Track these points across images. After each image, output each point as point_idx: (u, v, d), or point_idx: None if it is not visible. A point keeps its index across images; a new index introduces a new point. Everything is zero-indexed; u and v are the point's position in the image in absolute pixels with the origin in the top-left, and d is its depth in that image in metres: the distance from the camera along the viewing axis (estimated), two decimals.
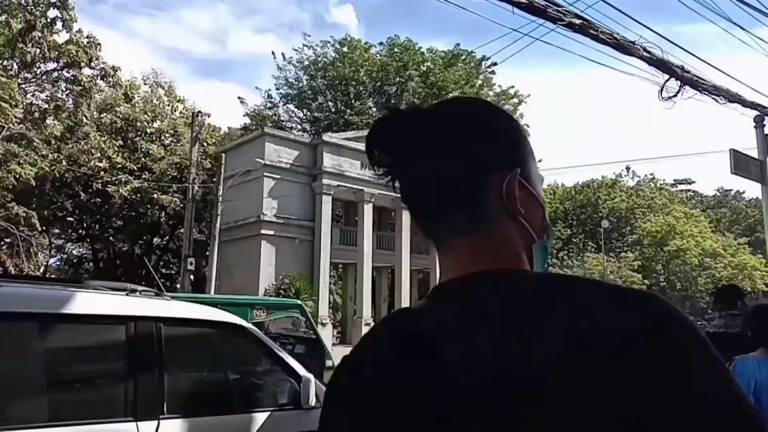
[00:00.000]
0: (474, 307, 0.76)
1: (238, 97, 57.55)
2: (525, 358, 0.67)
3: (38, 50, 21.55)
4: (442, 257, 0.85)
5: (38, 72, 23.52)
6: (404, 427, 0.72)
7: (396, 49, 40.27)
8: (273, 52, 70.50)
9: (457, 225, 0.83)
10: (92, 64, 23.11)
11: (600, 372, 0.63)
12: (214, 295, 18.34)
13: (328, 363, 10.27)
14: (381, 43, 41.83)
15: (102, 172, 27.84)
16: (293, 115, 43.31)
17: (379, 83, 39.81)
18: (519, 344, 0.68)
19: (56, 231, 33.68)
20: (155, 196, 28.78)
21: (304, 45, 42.17)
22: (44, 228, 28.13)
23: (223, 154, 23.96)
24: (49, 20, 21.69)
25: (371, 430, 0.76)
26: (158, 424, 3.00)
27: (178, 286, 23.94)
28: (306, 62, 41.72)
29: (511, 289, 0.75)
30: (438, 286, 0.83)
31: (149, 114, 31.92)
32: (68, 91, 24.08)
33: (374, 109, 41.53)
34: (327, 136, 28.28)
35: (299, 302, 12.16)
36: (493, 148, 0.85)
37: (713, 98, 8.33)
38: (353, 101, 40.36)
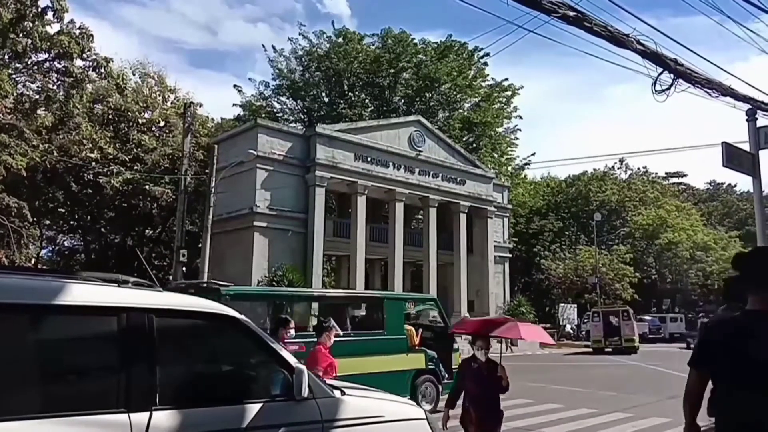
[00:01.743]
0: (760, 319, 2.79)
1: (235, 85, 57.16)
2: None
3: (29, 41, 21.32)
4: (754, 299, 2.82)
5: (29, 62, 23.29)
6: (741, 356, 2.70)
7: (390, 41, 40.13)
8: (264, 45, 70.05)
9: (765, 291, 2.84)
10: (84, 56, 22.90)
11: None
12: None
13: (455, 345, 12.53)
14: (375, 35, 41.73)
15: (93, 163, 27.69)
16: (286, 106, 43.17)
17: (372, 75, 39.67)
18: None
19: (48, 222, 33.51)
20: (147, 187, 28.64)
21: (300, 35, 41.95)
22: (35, 219, 27.96)
23: (216, 146, 23.82)
24: (39, 10, 21.47)
25: (730, 351, 2.74)
26: (150, 415, 3.00)
27: (170, 277, 23.87)
28: (300, 53, 41.54)
29: None
30: (747, 310, 2.84)
31: (140, 104, 31.70)
32: (59, 82, 23.87)
33: (367, 101, 41.41)
34: (320, 128, 28.16)
35: (435, 297, 14.03)
36: None
37: (706, 91, 8.34)
38: (347, 93, 40.23)
